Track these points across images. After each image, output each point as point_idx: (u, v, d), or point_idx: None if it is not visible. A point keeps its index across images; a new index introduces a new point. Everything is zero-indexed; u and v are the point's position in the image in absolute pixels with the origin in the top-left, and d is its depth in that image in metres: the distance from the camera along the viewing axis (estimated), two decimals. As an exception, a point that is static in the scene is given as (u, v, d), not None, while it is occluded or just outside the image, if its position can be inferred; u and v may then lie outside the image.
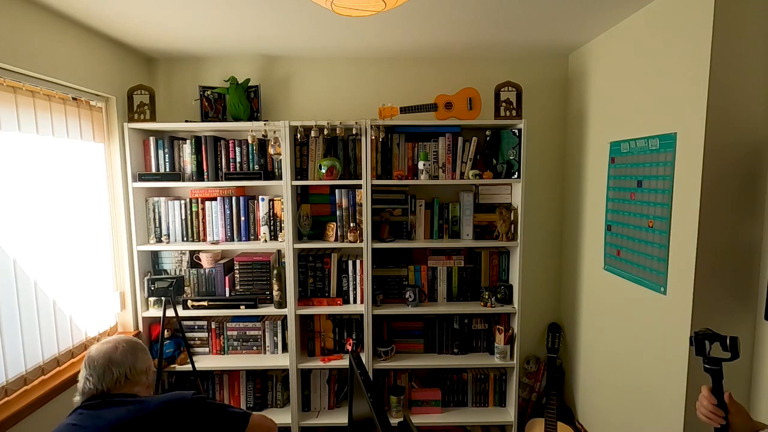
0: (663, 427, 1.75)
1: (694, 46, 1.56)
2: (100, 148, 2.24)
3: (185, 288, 2.44)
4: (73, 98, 2.03)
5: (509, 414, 2.49)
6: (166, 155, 2.41)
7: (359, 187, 2.40)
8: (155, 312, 2.41)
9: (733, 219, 1.55)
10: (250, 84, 2.44)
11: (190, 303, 2.39)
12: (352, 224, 2.40)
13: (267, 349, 2.52)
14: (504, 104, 2.35)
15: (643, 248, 1.85)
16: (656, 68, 1.78)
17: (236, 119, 2.40)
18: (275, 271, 2.40)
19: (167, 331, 2.45)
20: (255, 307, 2.40)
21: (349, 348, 2.49)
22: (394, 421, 2.42)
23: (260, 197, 2.42)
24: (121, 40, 2.23)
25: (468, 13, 1.90)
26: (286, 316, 2.42)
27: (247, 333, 2.50)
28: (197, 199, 2.44)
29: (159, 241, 2.44)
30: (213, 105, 2.46)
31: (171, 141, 2.43)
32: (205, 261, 2.47)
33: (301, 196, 2.51)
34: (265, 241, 2.42)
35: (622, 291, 2.03)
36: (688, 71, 1.59)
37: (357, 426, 1.36)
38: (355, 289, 2.46)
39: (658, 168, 1.75)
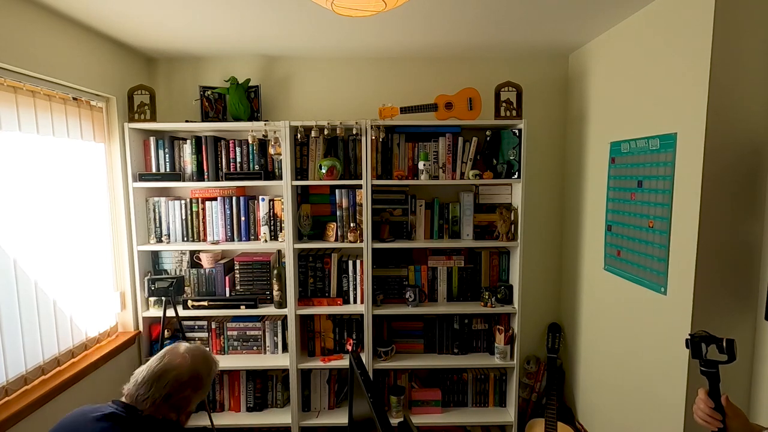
0: (663, 427, 1.75)
1: (695, 46, 1.56)
2: (101, 148, 2.24)
3: (185, 288, 2.44)
4: (74, 98, 2.04)
5: (509, 414, 2.49)
6: (167, 155, 2.41)
7: (359, 187, 2.40)
8: (155, 312, 2.41)
9: (733, 219, 1.55)
10: (250, 84, 2.44)
11: (190, 303, 2.39)
12: (352, 224, 2.40)
13: (267, 349, 2.52)
14: (504, 104, 2.35)
15: (644, 248, 1.85)
16: (656, 68, 1.78)
17: (236, 119, 2.40)
18: (275, 271, 2.40)
19: (167, 331, 2.45)
20: (255, 307, 2.40)
21: (349, 348, 2.49)
22: (394, 421, 2.42)
23: (260, 197, 2.42)
24: (121, 40, 2.23)
25: (468, 13, 1.90)
26: (286, 316, 2.42)
27: (247, 333, 2.50)
28: (197, 199, 2.44)
29: (159, 241, 2.44)
30: (213, 105, 2.46)
31: (171, 141, 2.43)
32: (206, 261, 2.47)
33: (301, 196, 2.51)
34: (266, 241, 2.42)
35: (623, 291, 2.03)
36: (689, 71, 1.59)
37: (357, 426, 1.36)
38: (355, 289, 2.46)
39: (658, 168, 1.75)
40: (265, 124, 2.29)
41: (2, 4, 1.60)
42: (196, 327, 2.50)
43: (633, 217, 1.93)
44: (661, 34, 1.75)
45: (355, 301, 2.47)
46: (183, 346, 1.31)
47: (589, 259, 2.34)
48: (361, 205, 2.39)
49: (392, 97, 2.59)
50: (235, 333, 2.50)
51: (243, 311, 2.40)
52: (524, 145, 2.30)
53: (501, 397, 2.57)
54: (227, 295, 2.47)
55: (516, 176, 2.35)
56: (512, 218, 2.41)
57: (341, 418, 2.47)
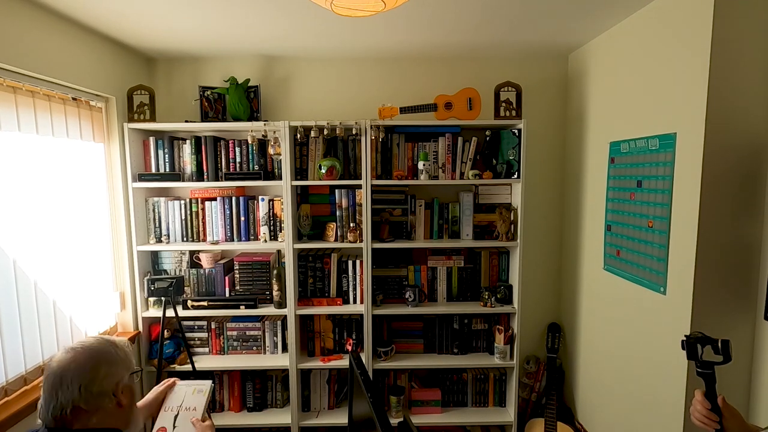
0: (662, 427, 1.75)
1: (694, 46, 1.56)
2: (100, 148, 2.24)
3: (185, 288, 2.44)
4: (73, 98, 2.03)
5: (509, 414, 2.49)
6: (166, 155, 2.41)
7: (359, 187, 2.40)
8: (155, 312, 2.41)
9: (732, 219, 1.55)
10: (250, 84, 2.44)
11: (189, 303, 2.39)
12: (352, 224, 2.40)
13: (267, 349, 2.52)
14: (504, 104, 2.35)
15: (643, 248, 1.85)
16: (656, 68, 1.78)
17: (236, 119, 2.40)
18: (275, 271, 2.40)
19: (167, 331, 2.44)
20: (255, 307, 2.40)
21: (349, 348, 2.49)
22: (394, 421, 2.42)
23: (260, 197, 2.42)
24: (121, 40, 2.23)
25: (468, 14, 1.90)
26: (285, 316, 2.42)
27: (247, 333, 2.50)
28: (197, 199, 2.44)
29: (159, 241, 2.44)
30: (213, 105, 2.46)
31: (171, 141, 2.43)
32: (205, 261, 2.47)
33: (301, 196, 2.51)
34: (265, 241, 2.42)
35: (622, 291, 2.03)
36: (688, 71, 1.59)
37: (357, 426, 1.36)
38: (355, 289, 2.46)
39: (657, 168, 1.75)
40: (264, 124, 2.29)
41: (2, 4, 1.60)
42: (196, 327, 2.50)
43: (632, 217, 1.93)
44: (661, 34, 1.75)
45: (354, 301, 2.47)
46: (64, 348, 1.10)
47: (588, 259, 2.34)
48: (360, 205, 2.39)
49: (392, 97, 2.59)
50: (234, 333, 2.50)
51: (243, 311, 2.40)
52: (524, 145, 2.30)
53: (501, 397, 2.57)
54: (227, 295, 2.47)
55: (515, 176, 2.35)
56: (512, 218, 2.41)
57: (341, 418, 2.47)
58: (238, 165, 2.42)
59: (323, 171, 2.31)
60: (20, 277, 1.73)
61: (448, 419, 2.47)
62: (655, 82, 1.78)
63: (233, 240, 2.45)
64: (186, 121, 2.40)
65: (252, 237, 2.46)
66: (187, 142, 2.41)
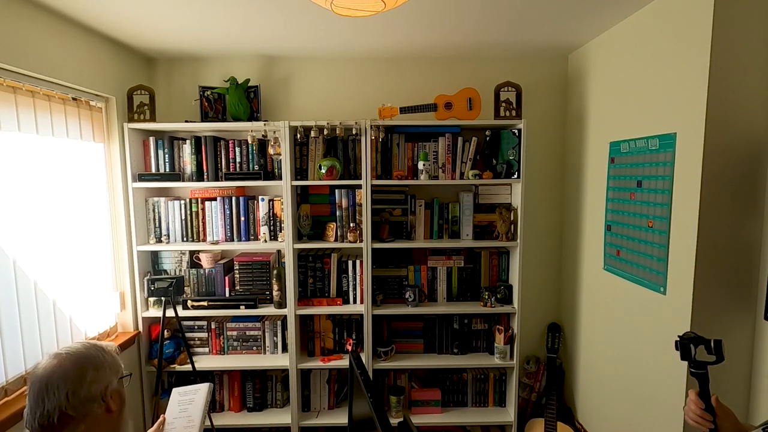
0: (662, 426, 1.75)
1: (694, 46, 1.56)
2: (100, 149, 2.24)
3: (185, 288, 2.44)
4: (73, 98, 2.03)
5: (509, 414, 2.49)
6: (166, 155, 2.41)
7: (359, 187, 2.40)
8: (155, 312, 2.41)
9: (732, 219, 1.55)
10: (250, 84, 2.44)
11: (189, 303, 2.39)
12: (351, 224, 2.40)
13: (267, 349, 2.52)
14: (504, 104, 2.35)
15: (643, 248, 1.85)
16: (656, 68, 1.78)
17: (236, 119, 2.40)
18: (275, 271, 2.40)
19: (167, 331, 2.44)
20: (255, 307, 2.40)
21: (349, 348, 2.49)
22: (394, 421, 2.42)
23: (260, 197, 2.42)
24: (121, 40, 2.23)
25: (468, 14, 1.90)
26: (285, 316, 2.42)
27: (247, 333, 2.50)
28: (197, 199, 2.44)
29: (159, 241, 2.44)
30: (213, 105, 2.46)
31: (171, 141, 2.43)
32: (205, 261, 2.47)
33: (301, 196, 2.51)
34: (265, 241, 2.42)
35: (622, 291, 2.03)
36: (688, 71, 1.59)
37: (357, 426, 1.36)
38: (354, 289, 2.46)
39: (657, 168, 1.75)
40: (264, 124, 2.29)
41: (2, 4, 1.60)
42: (196, 327, 2.50)
43: (632, 217, 1.93)
44: (661, 34, 1.75)
45: (354, 301, 2.47)
46: (49, 354, 1.06)
47: (588, 259, 2.34)
48: (360, 205, 2.39)
49: (392, 97, 2.59)
50: (234, 333, 2.50)
51: (243, 311, 2.40)
52: (524, 145, 2.30)
53: (501, 396, 2.57)
54: (227, 295, 2.46)
55: (515, 176, 2.35)
56: (512, 218, 2.41)
57: (341, 418, 2.47)
58: (238, 165, 2.42)
59: (323, 171, 2.31)
60: (20, 277, 1.73)
61: (448, 419, 2.47)
62: (655, 82, 1.78)
63: (233, 240, 2.45)
64: (186, 121, 2.40)
65: (252, 237, 2.46)
66: (187, 142, 2.41)
